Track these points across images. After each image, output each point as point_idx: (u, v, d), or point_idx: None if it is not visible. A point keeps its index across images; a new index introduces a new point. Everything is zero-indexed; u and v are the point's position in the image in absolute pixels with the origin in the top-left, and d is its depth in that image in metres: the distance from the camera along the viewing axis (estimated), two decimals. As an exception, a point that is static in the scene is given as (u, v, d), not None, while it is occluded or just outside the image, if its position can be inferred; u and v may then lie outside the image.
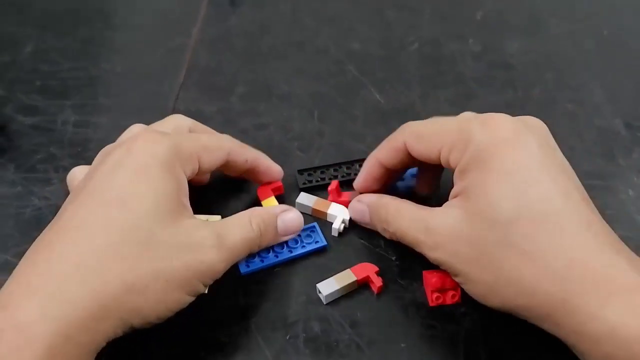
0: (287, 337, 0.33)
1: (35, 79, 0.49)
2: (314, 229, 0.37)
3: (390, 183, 0.38)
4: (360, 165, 0.41)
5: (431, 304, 0.34)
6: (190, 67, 0.50)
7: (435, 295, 0.34)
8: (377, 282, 0.34)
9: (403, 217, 0.33)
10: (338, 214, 0.37)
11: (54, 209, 0.39)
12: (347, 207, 0.38)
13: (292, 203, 0.39)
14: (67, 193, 0.40)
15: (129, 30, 0.55)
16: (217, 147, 0.35)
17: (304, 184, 0.40)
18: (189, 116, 0.45)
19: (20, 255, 0.36)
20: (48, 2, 0.57)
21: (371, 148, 0.43)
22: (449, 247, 0.30)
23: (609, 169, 0.42)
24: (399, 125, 0.44)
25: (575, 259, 0.27)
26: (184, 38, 0.52)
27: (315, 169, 0.41)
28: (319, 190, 0.40)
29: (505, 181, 0.29)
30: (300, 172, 0.41)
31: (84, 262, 0.27)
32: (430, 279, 0.33)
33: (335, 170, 0.41)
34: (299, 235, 0.37)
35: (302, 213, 0.36)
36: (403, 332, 0.33)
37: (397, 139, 0.35)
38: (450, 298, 0.34)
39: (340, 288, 0.34)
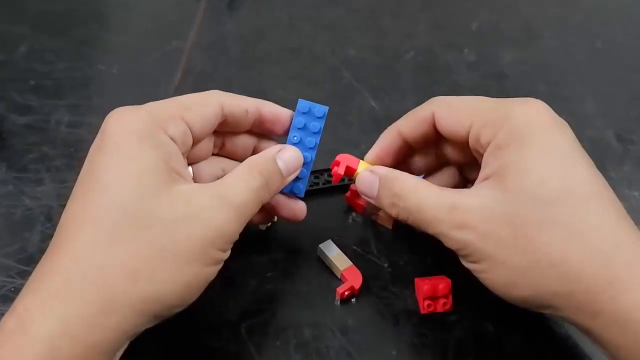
0: (278, 343, 0.33)
1: (29, 79, 0.48)
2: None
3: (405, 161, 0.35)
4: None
5: (422, 312, 0.34)
6: (186, 70, 0.50)
7: (426, 302, 0.34)
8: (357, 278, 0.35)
9: (422, 193, 0.30)
10: None
11: (45, 210, 0.39)
12: (361, 210, 0.38)
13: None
14: (58, 195, 0.40)
15: (125, 31, 0.54)
16: (202, 103, 0.31)
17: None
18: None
19: (9, 255, 0.37)
20: (44, 2, 0.56)
21: (365, 154, 0.43)
22: (480, 226, 0.28)
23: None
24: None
25: (622, 243, 0.27)
26: (180, 41, 0.52)
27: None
28: (312, 194, 0.40)
29: (548, 159, 0.28)
30: (294, 177, 0.41)
31: (81, 256, 0.26)
32: (422, 286, 0.33)
33: (329, 175, 0.41)
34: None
35: None
36: (394, 339, 0.33)
37: (424, 109, 0.33)
38: (441, 306, 0.34)
39: (336, 256, 0.36)
